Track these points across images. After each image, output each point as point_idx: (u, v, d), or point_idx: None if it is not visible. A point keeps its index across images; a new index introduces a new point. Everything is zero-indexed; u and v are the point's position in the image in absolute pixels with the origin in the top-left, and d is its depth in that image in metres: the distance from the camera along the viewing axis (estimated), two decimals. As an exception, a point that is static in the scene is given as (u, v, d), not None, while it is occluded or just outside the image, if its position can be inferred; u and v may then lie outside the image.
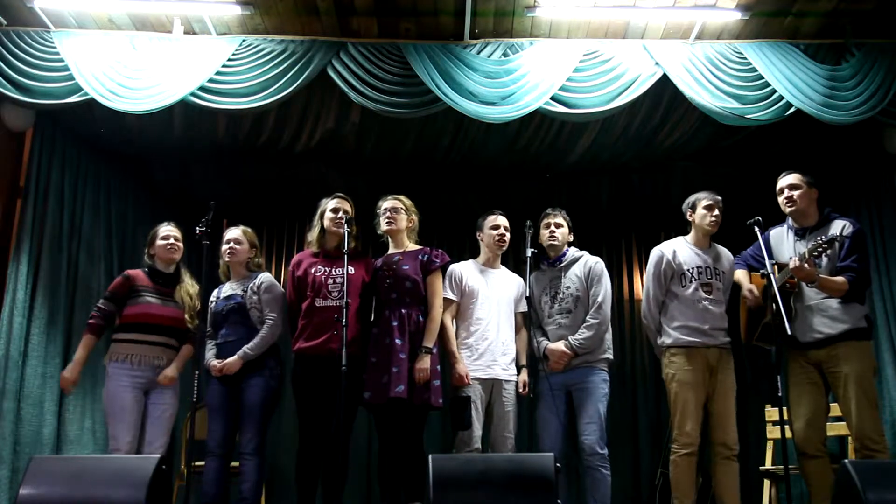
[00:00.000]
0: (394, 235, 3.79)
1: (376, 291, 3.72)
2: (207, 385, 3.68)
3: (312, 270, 3.67)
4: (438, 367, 3.61)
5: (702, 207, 3.69)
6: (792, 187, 3.57)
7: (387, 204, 3.77)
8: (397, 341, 3.51)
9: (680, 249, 3.72)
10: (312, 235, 3.78)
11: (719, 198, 3.72)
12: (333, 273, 3.62)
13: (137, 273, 3.82)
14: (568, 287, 3.79)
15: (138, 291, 3.75)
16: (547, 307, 3.82)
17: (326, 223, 3.73)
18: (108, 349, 3.75)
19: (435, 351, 3.59)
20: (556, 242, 3.84)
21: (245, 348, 3.61)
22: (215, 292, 3.84)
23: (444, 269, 3.75)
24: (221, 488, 3.57)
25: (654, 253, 3.77)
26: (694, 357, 3.56)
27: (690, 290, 3.62)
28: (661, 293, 3.69)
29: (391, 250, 3.80)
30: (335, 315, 3.40)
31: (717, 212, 3.68)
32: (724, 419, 3.54)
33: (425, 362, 3.51)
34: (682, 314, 3.61)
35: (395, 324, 3.56)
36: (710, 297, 3.63)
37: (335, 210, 3.71)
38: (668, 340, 3.62)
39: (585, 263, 3.83)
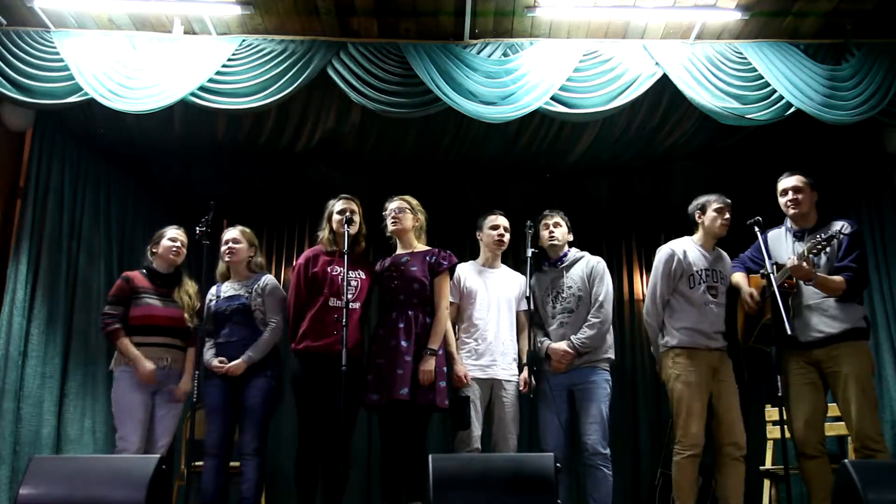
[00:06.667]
0: (401, 236, 3.78)
1: (382, 292, 3.72)
2: (206, 385, 3.67)
3: (329, 269, 3.64)
4: (444, 368, 3.60)
5: (712, 210, 3.67)
6: (796, 190, 3.56)
7: (393, 205, 3.77)
8: (403, 343, 3.51)
9: (689, 250, 3.70)
10: (323, 237, 3.77)
11: (729, 201, 3.70)
12: (350, 276, 3.59)
13: (135, 274, 3.81)
14: (570, 287, 3.78)
15: (139, 293, 3.75)
16: (549, 307, 3.82)
17: (335, 225, 3.71)
18: (110, 355, 3.75)
19: (441, 352, 3.59)
20: (556, 242, 3.84)
21: (249, 352, 3.62)
22: (213, 290, 3.83)
23: (451, 270, 3.74)
24: (220, 488, 3.58)
25: (664, 251, 3.74)
26: (697, 359, 3.55)
27: (699, 291, 3.61)
28: (667, 292, 3.66)
29: (399, 251, 3.79)
30: (336, 316, 3.39)
31: (727, 215, 3.67)
32: (732, 420, 3.53)
33: (430, 364, 3.50)
34: (688, 315, 3.60)
35: (401, 325, 3.55)
36: (716, 300, 3.63)
37: (342, 212, 3.69)
38: (672, 341, 3.60)
39: (587, 263, 3.83)
